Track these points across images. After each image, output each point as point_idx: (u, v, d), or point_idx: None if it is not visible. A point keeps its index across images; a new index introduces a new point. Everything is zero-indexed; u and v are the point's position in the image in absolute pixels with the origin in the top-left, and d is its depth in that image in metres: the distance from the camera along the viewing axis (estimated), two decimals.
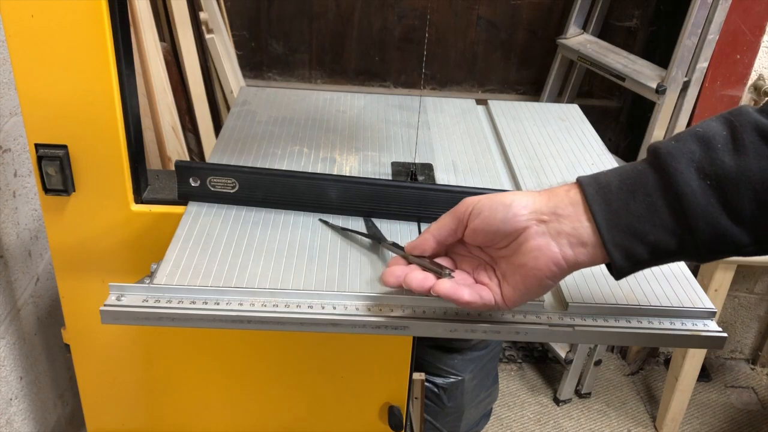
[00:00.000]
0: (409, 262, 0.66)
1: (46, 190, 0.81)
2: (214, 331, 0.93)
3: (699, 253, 0.55)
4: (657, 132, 1.67)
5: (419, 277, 0.63)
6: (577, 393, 1.99)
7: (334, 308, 0.67)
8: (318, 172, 0.92)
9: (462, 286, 0.61)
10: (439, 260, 0.66)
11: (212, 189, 0.82)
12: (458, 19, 1.97)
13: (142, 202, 0.85)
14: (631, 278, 0.72)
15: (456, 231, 0.64)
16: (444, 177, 0.94)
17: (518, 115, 1.15)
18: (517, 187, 0.93)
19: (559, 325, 0.68)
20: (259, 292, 0.68)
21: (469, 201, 0.63)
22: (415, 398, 1.09)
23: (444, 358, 1.56)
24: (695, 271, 1.73)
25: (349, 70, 2.04)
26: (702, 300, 0.72)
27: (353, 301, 0.68)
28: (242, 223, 0.80)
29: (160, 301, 0.66)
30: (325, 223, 0.81)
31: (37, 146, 0.79)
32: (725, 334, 0.70)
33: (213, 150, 0.97)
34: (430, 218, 0.83)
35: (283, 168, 0.92)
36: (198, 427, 1.03)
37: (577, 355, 1.90)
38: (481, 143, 1.05)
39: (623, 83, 1.71)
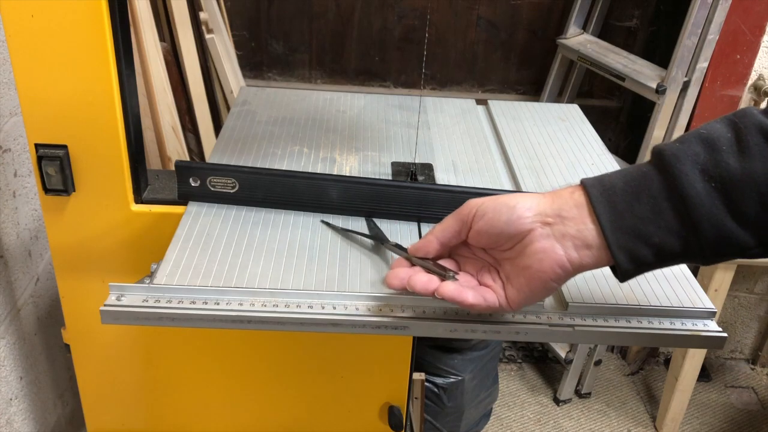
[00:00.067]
0: (413, 264, 0.66)
1: (46, 190, 0.81)
2: (214, 331, 0.93)
3: (704, 255, 0.55)
4: (657, 132, 1.67)
5: (423, 280, 0.63)
6: (577, 393, 1.99)
7: (334, 308, 0.67)
8: (318, 172, 0.92)
9: (466, 289, 0.61)
10: (442, 262, 0.66)
11: (212, 189, 0.82)
12: (458, 19, 1.97)
13: (142, 202, 0.85)
14: None
15: (460, 233, 0.64)
16: (444, 177, 0.94)
17: (518, 115, 1.15)
18: (517, 187, 0.93)
19: (559, 325, 0.68)
20: (259, 292, 0.68)
21: (472, 203, 0.62)
22: (415, 398, 1.09)
23: (444, 358, 1.56)
24: (695, 272, 1.73)
25: (349, 70, 2.04)
26: (702, 300, 0.72)
27: (353, 301, 0.68)
28: (242, 223, 0.80)
29: (160, 301, 0.66)
30: (327, 224, 0.81)
31: (37, 146, 0.79)
32: (725, 334, 0.70)
33: (213, 150, 0.97)
34: (430, 218, 0.83)
35: (283, 168, 0.92)
36: (198, 427, 1.03)
37: (577, 355, 1.90)
38: (481, 143, 1.05)
39: (623, 83, 1.71)
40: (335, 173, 0.92)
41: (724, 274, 1.69)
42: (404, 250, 0.69)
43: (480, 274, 0.65)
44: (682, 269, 0.77)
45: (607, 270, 0.60)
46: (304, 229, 0.80)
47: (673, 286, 0.74)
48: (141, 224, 0.85)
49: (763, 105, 1.68)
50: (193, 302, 0.66)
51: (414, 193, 0.82)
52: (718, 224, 0.53)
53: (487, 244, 0.62)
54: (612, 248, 0.56)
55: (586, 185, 0.58)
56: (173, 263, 0.71)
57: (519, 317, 0.68)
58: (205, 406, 1.01)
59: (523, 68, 2.06)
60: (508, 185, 0.94)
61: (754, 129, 0.54)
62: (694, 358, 1.79)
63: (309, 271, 0.72)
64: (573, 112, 1.19)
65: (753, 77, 1.68)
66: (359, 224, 0.82)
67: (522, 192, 0.62)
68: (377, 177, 0.92)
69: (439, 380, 1.56)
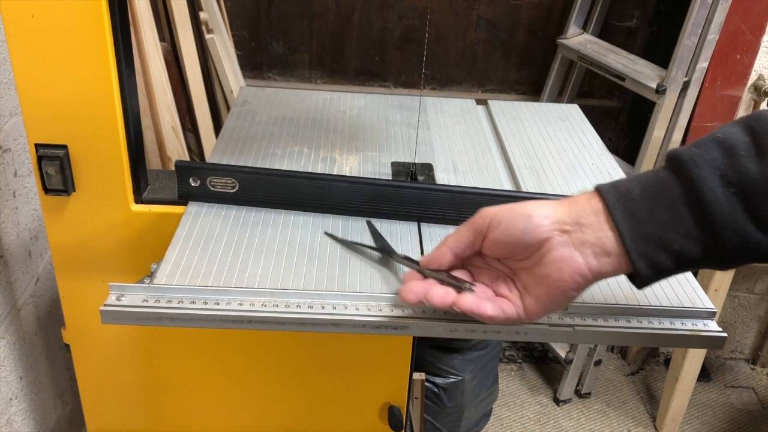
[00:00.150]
0: (425, 276, 0.64)
1: (46, 190, 0.81)
2: (214, 331, 0.93)
3: (723, 260, 0.55)
4: (657, 132, 1.67)
5: (440, 293, 0.61)
6: (577, 393, 1.99)
7: (334, 308, 0.67)
8: (318, 172, 0.92)
9: (484, 300, 0.60)
10: (455, 273, 0.64)
11: (212, 189, 0.82)
12: (458, 19, 1.97)
13: (142, 202, 0.85)
14: None
15: (474, 243, 0.62)
16: (444, 177, 0.94)
17: (518, 115, 1.15)
18: (517, 187, 0.93)
19: (559, 325, 0.68)
20: (259, 292, 0.68)
21: (486, 212, 0.61)
22: (415, 398, 1.09)
23: (444, 358, 1.56)
24: (695, 272, 1.73)
25: (349, 70, 2.04)
26: (702, 300, 0.72)
27: (353, 301, 0.68)
28: (242, 223, 0.80)
29: (160, 301, 0.66)
30: (332, 236, 0.79)
31: (37, 146, 0.79)
32: (725, 334, 0.70)
33: (213, 150, 0.97)
34: (430, 218, 0.83)
35: (283, 168, 0.92)
36: (198, 427, 1.03)
37: (577, 355, 1.90)
38: (481, 143, 1.05)
39: (623, 83, 1.71)
40: (335, 173, 0.92)
41: (724, 274, 1.69)
42: (414, 261, 0.67)
43: (495, 284, 0.63)
44: None
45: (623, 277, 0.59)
46: (304, 229, 0.80)
47: (673, 286, 0.74)
48: (141, 224, 0.85)
49: (763, 105, 1.68)
50: (193, 302, 0.66)
51: (414, 193, 0.82)
52: (738, 229, 0.53)
53: (502, 253, 0.61)
54: (631, 256, 0.55)
55: (602, 191, 0.57)
56: (173, 263, 0.72)
57: None
58: (205, 406, 1.01)
59: (523, 68, 2.06)
60: (508, 185, 0.95)
61: None
62: (694, 358, 1.79)
63: (309, 271, 0.72)
64: (573, 112, 1.19)
65: (753, 77, 1.68)
66: (358, 224, 0.82)
67: (536, 199, 0.60)
68: (377, 177, 0.92)
69: (439, 380, 1.56)
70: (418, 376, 1.06)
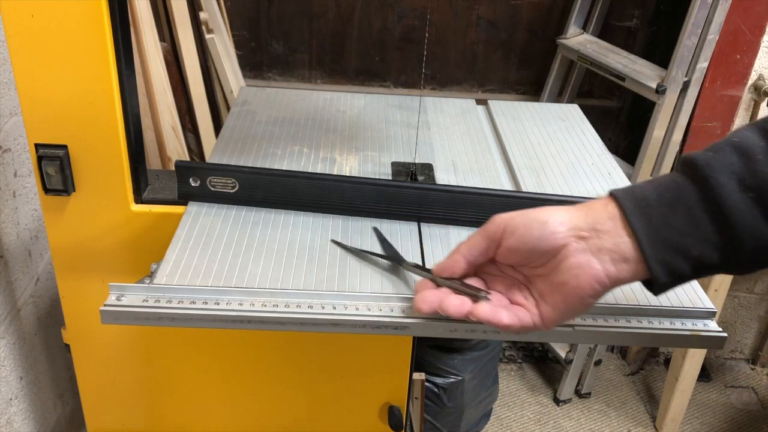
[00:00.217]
0: (438, 285, 0.63)
1: (46, 190, 0.81)
2: (214, 331, 0.93)
3: (741, 265, 0.55)
4: (657, 132, 1.67)
5: (456, 303, 0.60)
6: (577, 393, 1.99)
7: (334, 308, 0.67)
8: (318, 172, 0.92)
9: (500, 309, 0.59)
10: (468, 281, 0.62)
11: (212, 189, 0.82)
12: (458, 19, 1.97)
13: (142, 202, 0.85)
14: None
15: (488, 250, 0.61)
16: (444, 177, 0.94)
17: (518, 115, 1.15)
18: (517, 187, 0.93)
19: (559, 325, 0.68)
20: (259, 292, 0.68)
21: (500, 219, 0.59)
22: (415, 398, 1.09)
23: (444, 358, 1.56)
24: None
25: (349, 70, 2.04)
26: (702, 300, 0.72)
27: (353, 301, 0.68)
28: (242, 223, 0.80)
29: (160, 301, 0.66)
30: (339, 244, 0.78)
31: (37, 146, 0.79)
32: (725, 334, 0.70)
33: (213, 150, 0.97)
34: (430, 218, 0.83)
35: (283, 168, 0.92)
36: (198, 427, 1.03)
37: (577, 355, 1.90)
38: (481, 143, 1.05)
39: (623, 83, 1.71)
40: (335, 173, 0.92)
41: (724, 274, 1.69)
42: (427, 270, 0.66)
43: (510, 292, 0.62)
44: None
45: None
46: (304, 229, 0.80)
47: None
48: (141, 224, 0.85)
49: (763, 105, 1.68)
50: (193, 302, 0.66)
51: (414, 193, 0.82)
52: (757, 235, 0.52)
53: (517, 261, 0.60)
54: (649, 262, 0.54)
55: (617, 197, 0.56)
56: (173, 263, 0.72)
57: None
58: (205, 406, 1.01)
59: (523, 68, 2.06)
60: (508, 185, 0.95)
61: None
62: (694, 358, 1.79)
63: (309, 271, 0.72)
64: (573, 112, 1.19)
65: (753, 77, 1.68)
66: (358, 224, 0.82)
67: (551, 206, 0.60)
68: (377, 177, 0.92)
69: (439, 380, 1.56)
70: (418, 376, 1.06)
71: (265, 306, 0.67)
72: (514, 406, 1.95)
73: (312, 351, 0.96)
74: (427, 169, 0.95)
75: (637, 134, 1.91)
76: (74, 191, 0.82)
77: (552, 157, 1.02)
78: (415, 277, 0.72)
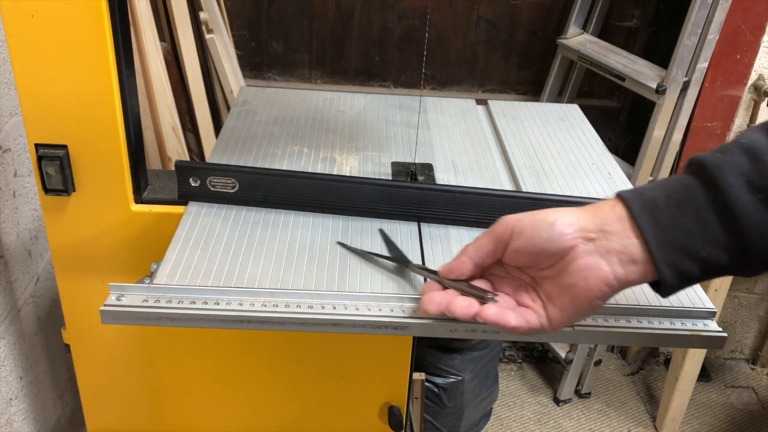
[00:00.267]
0: (445, 287, 0.63)
1: (46, 190, 0.81)
2: (214, 331, 0.93)
3: (750, 267, 0.54)
4: (657, 132, 1.67)
5: (463, 304, 0.59)
6: (577, 393, 1.99)
7: (334, 308, 0.67)
8: (318, 172, 0.92)
9: (507, 311, 0.59)
10: (475, 283, 0.62)
11: (212, 189, 0.82)
12: (458, 19, 1.97)
13: (142, 202, 0.85)
14: None
15: (495, 252, 0.60)
16: (444, 177, 0.94)
17: (518, 115, 1.15)
18: (517, 186, 0.93)
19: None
20: (259, 292, 0.68)
21: (507, 220, 0.59)
22: (415, 398, 1.09)
23: (444, 358, 1.56)
24: None
25: (349, 70, 2.04)
26: (702, 300, 0.72)
27: (353, 301, 0.68)
28: (242, 223, 0.80)
29: (160, 301, 0.66)
30: (344, 246, 0.77)
31: (37, 146, 0.79)
32: (725, 334, 0.70)
33: (213, 150, 0.97)
34: (430, 218, 0.83)
35: (283, 168, 0.92)
36: (198, 427, 1.03)
37: (577, 355, 1.90)
38: (481, 143, 1.05)
39: (623, 83, 1.71)
40: (335, 173, 0.92)
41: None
42: (433, 272, 0.66)
43: (517, 293, 0.62)
44: None
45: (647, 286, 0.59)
46: (304, 229, 0.80)
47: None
48: (141, 224, 0.85)
49: (763, 105, 1.68)
50: (193, 302, 0.66)
51: (414, 193, 0.82)
52: (767, 236, 0.52)
53: (525, 262, 0.60)
54: (658, 264, 0.54)
55: (625, 198, 0.56)
56: (173, 263, 0.72)
57: None
58: (205, 406, 1.01)
59: (523, 68, 2.06)
60: (508, 185, 0.95)
61: None
62: (694, 358, 1.79)
63: (309, 271, 0.72)
64: (573, 112, 1.19)
65: (753, 77, 1.68)
66: (358, 224, 0.82)
67: (559, 207, 0.59)
68: (377, 177, 0.92)
69: (439, 380, 1.56)
70: (418, 376, 1.06)
71: (265, 306, 0.67)
72: (514, 406, 1.95)
73: (312, 351, 0.96)
74: (427, 169, 0.95)
75: (637, 134, 1.91)
76: (74, 191, 0.82)
77: (552, 157, 1.02)
78: (417, 278, 0.72)
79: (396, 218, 0.83)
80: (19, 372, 1.23)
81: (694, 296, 0.72)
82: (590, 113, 1.19)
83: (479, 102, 1.20)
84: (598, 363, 1.93)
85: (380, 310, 0.67)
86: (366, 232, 0.80)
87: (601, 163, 1.01)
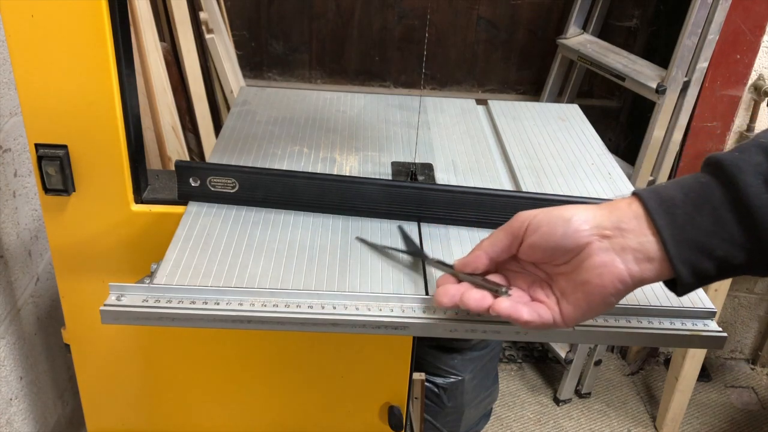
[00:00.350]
0: (460, 280, 0.63)
1: (46, 190, 0.81)
2: (214, 331, 0.93)
3: (767, 266, 0.54)
4: (657, 132, 1.67)
5: (476, 297, 0.60)
6: (577, 393, 1.99)
7: (334, 308, 0.67)
8: (318, 172, 0.92)
9: (520, 305, 0.59)
10: (490, 277, 0.63)
11: (212, 189, 0.82)
12: (458, 19, 1.97)
13: (142, 202, 0.85)
14: None
15: (510, 247, 0.61)
16: (444, 177, 0.94)
17: (518, 115, 1.15)
18: (517, 186, 0.93)
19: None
20: (259, 292, 0.68)
21: (524, 216, 0.60)
22: (415, 398, 1.09)
23: (444, 358, 1.56)
24: None
25: (349, 70, 2.04)
26: (702, 300, 0.72)
27: (353, 301, 0.68)
28: (242, 223, 0.80)
29: (160, 301, 0.66)
30: (363, 241, 0.78)
31: (37, 146, 0.79)
32: (725, 334, 0.70)
33: (213, 150, 0.97)
34: (430, 218, 0.83)
35: (283, 168, 0.92)
36: (198, 427, 1.03)
37: (577, 355, 1.90)
38: (481, 143, 1.05)
39: (623, 83, 1.71)
40: (335, 173, 0.92)
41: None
42: (449, 266, 0.66)
43: (531, 288, 0.62)
44: None
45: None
46: (304, 229, 0.80)
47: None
48: (141, 224, 0.85)
49: (763, 105, 1.68)
50: (193, 302, 0.66)
51: (414, 193, 0.82)
52: None
53: (540, 258, 0.60)
54: (674, 262, 0.54)
55: (642, 196, 0.56)
56: (173, 263, 0.72)
57: None
58: (206, 406, 1.01)
59: (523, 68, 2.06)
60: (508, 185, 0.95)
61: None
62: (694, 358, 1.79)
63: (309, 271, 0.72)
64: (573, 112, 1.19)
65: (753, 77, 1.68)
66: (358, 224, 0.82)
67: (580, 201, 0.60)
68: (377, 177, 0.92)
69: (439, 380, 1.56)
70: (418, 376, 1.06)
71: (265, 306, 0.67)
72: (514, 406, 1.95)
73: (312, 351, 0.96)
74: (427, 169, 0.95)
75: (637, 134, 1.91)
76: (74, 191, 0.82)
77: (552, 157, 1.02)
78: (417, 278, 0.72)
79: (396, 218, 0.83)
80: (19, 372, 1.23)
81: (694, 296, 0.72)
82: (590, 113, 1.19)
83: (479, 102, 1.20)
84: (598, 363, 1.93)
85: (380, 310, 0.67)
86: (366, 232, 0.80)
87: (601, 163, 1.01)
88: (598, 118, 2.01)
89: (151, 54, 1.47)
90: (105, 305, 0.65)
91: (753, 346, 2.17)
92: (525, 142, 1.06)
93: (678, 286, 0.56)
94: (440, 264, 0.70)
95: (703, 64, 1.60)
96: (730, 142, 1.74)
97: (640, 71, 1.69)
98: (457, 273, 0.64)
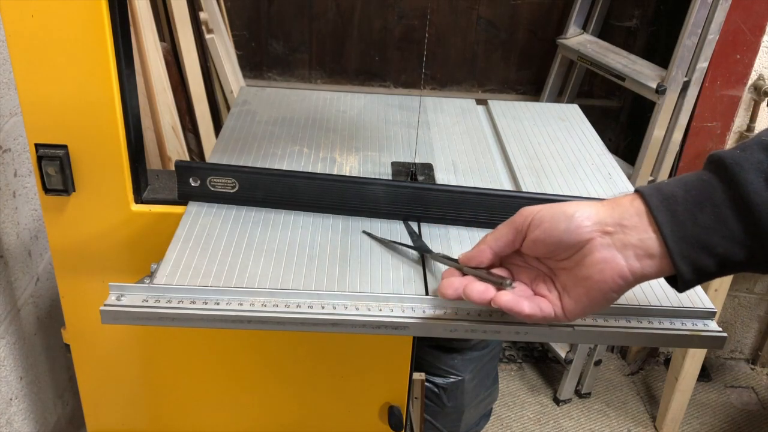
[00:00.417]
0: (464, 274, 0.64)
1: (46, 190, 0.81)
2: (214, 331, 0.93)
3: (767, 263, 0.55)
4: (657, 132, 1.67)
5: (480, 289, 0.61)
6: (577, 393, 1.99)
7: (334, 308, 0.67)
8: (318, 172, 0.92)
9: (522, 298, 0.60)
10: (495, 271, 0.64)
11: (212, 189, 0.82)
12: (458, 19, 1.97)
13: (142, 202, 0.85)
14: None
15: (514, 242, 0.62)
16: (444, 177, 0.94)
17: (518, 115, 1.15)
18: (517, 186, 0.93)
19: (559, 325, 0.68)
20: (259, 292, 0.68)
21: (527, 211, 0.61)
22: (415, 398, 1.09)
23: (444, 358, 1.56)
24: None
25: (349, 70, 2.04)
26: (702, 300, 0.72)
27: (353, 301, 0.68)
28: (242, 223, 0.80)
29: (160, 301, 0.66)
30: (370, 235, 0.79)
31: (37, 146, 0.79)
32: (725, 334, 0.70)
33: (213, 150, 0.97)
34: (430, 218, 0.83)
35: (283, 168, 0.92)
36: (198, 427, 1.03)
37: (577, 355, 1.90)
38: (481, 143, 1.05)
39: (623, 83, 1.71)
40: (335, 173, 0.92)
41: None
42: (454, 260, 0.67)
43: (534, 283, 0.63)
44: None
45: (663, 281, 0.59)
46: (304, 229, 0.80)
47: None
48: (141, 224, 0.85)
49: (763, 105, 1.68)
50: (193, 302, 0.66)
51: (414, 193, 0.82)
52: None
53: (543, 253, 0.61)
54: (674, 258, 0.55)
55: (643, 193, 0.57)
56: (173, 263, 0.72)
57: None
58: (205, 406, 1.01)
59: (523, 68, 2.06)
60: (508, 185, 0.95)
61: None
62: (694, 358, 1.79)
63: (309, 271, 0.72)
64: (573, 112, 1.19)
65: (753, 77, 1.68)
66: (358, 224, 0.82)
67: (578, 200, 0.60)
68: (377, 177, 0.92)
69: (439, 380, 1.56)
70: (418, 376, 1.06)
71: (265, 306, 0.67)
72: (514, 406, 1.95)
73: (312, 351, 0.96)
74: (427, 169, 0.95)
75: (637, 134, 1.91)
76: (74, 191, 0.82)
77: (552, 157, 1.02)
78: (417, 278, 0.73)
79: (396, 218, 0.83)
80: (19, 372, 1.23)
81: (694, 296, 0.72)
82: (590, 113, 1.19)
83: (479, 102, 1.20)
84: (598, 363, 1.93)
85: (380, 310, 0.67)
86: (366, 232, 0.80)
87: (601, 163, 1.01)
88: (598, 118, 2.01)
89: (151, 54, 1.47)
90: (105, 305, 0.65)
91: (753, 346, 2.17)
92: (525, 142, 1.06)
93: (679, 283, 0.57)
94: (445, 258, 0.71)
95: (703, 64, 1.60)
96: (730, 142, 1.74)
97: (640, 71, 1.69)
98: (461, 267, 0.65)
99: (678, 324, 0.70)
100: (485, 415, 1.76)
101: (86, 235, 0.85)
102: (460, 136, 1.07)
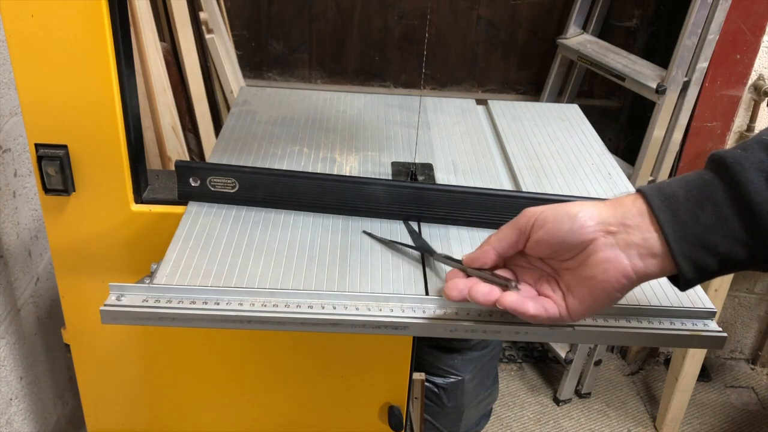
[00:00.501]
0: (468, 275, 0.65)
1: (46, 190, 0.81)
2: (214, 331, 0.93)
3: None
4: (657, 132, 1.67)
5: (484, 290, 0.61)
6: (577, 393, 1.99)
7: (334, 308, 0.67)
8: (318, 172, 0.92)
9: (527, 299, 0.60)
10: (499, 272, 0.64)
11: (212, 189, 0.82)
12: (458, 19, 1.97)
13: (142, 202, 0.85)
14: None
15: (517, 243, 0.62)
16: (444, 177, 0.94)
17: (518, 115, 1.15)
18: (517, 186, 0.93)
19: (560, 325, 0.68)
20: (259, 292, 0.68)
21: (530, 212, 0.61)
22: (415, 398, 1.09)
23: (444, 358, 1.56)
24: None
25: (349, 70, 2.04)
26: (702, 300, 0.72)
27: (353, 301, 0.68)
28: (242, 223, 0.80)
29: (160, 301, 0.66)
30: (370, 235, 0.79)
31: (37, 146, 0.79)
32: (725, 334, 0.70)
33: (213, 150, 0.97)
34: (430, 218, 0.83)
35: (283, 168, 0.92)
36: (198, 427, 1.03)
37: (577, 355, 1.90)
38: (481, 143, 1.05)
39: (623, 83, 1.71)
40: (335, 173, 0.92)
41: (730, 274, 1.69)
42: (457, 261, 0.67)
43: (538, 283, 0.63)
44: None
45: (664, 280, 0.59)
46: (304, 229, 0.80)
47: (673, 286, 0.74)
48: (141, 224, 0.85)
49: (763, 105, 1.68)
50: (193, 302, 0.66)
51: (414, 193, 0.82)
52: None
53: (546, 254, 0.61)
54: (676, 257, 0.55)
55: (645, 193, 0.57)
56: (173, 263, 0.72)
57: None
58: (205, 406, 1.01)
59: (523, 68, 2.06)
60: (508, 185, 0.95)
61: None
62: (694, 358, 1.79)
63: (309, 271, 0.72)
64: (573, 112, 1.19)
65: (753, 77, 1.68)
66: (358, 224, 0.82)
67: (581, 200, 0.60)
68: (377, 177, 0.92)
69: (439, 380, 1.56)
70: (418, 376, 1.06)
71: (265, 306, 0.67)
72: (514, 406, 1.95)
73: (312, 351, 0.96)
74: (427, 169, 0.95)
75: (637, 134, 1.91)
76: (74, 191, 0.82)
77: (552, 157, 1.02)
78: (417, 278, 0.73)
79: (396, 218, 0.83)
80: (19, 372, 1.23)
81: (694, 296, 0.72)
82: (590, 113, 1.19)
83: (479, 102, 1.20)
84: (598, 363, 1.93)
85: (380, 310, 0.67)
86: (366, 232, 0.80)
87: (601, 163, 1.01)
88: (598, 118, 2.01)
89: (151, 54, 1.47)
90: (105, 305, 0.65)
91: (753, 346, 2.17)
92: (525, 142, 1.06)
93: (680, 282, 0.57)
94: (448, 259, 0.71)
95: (703, 64, 1.60)
96: (730, 142, 1.74)
97: (640, 71, 1.69)
98: (465, 268, 0.65)
99: (678, 324, 0.70)
100: (485, 415, 1.76)
101: (86, 235, 0.85)
102: (460, 136, 1.07)
